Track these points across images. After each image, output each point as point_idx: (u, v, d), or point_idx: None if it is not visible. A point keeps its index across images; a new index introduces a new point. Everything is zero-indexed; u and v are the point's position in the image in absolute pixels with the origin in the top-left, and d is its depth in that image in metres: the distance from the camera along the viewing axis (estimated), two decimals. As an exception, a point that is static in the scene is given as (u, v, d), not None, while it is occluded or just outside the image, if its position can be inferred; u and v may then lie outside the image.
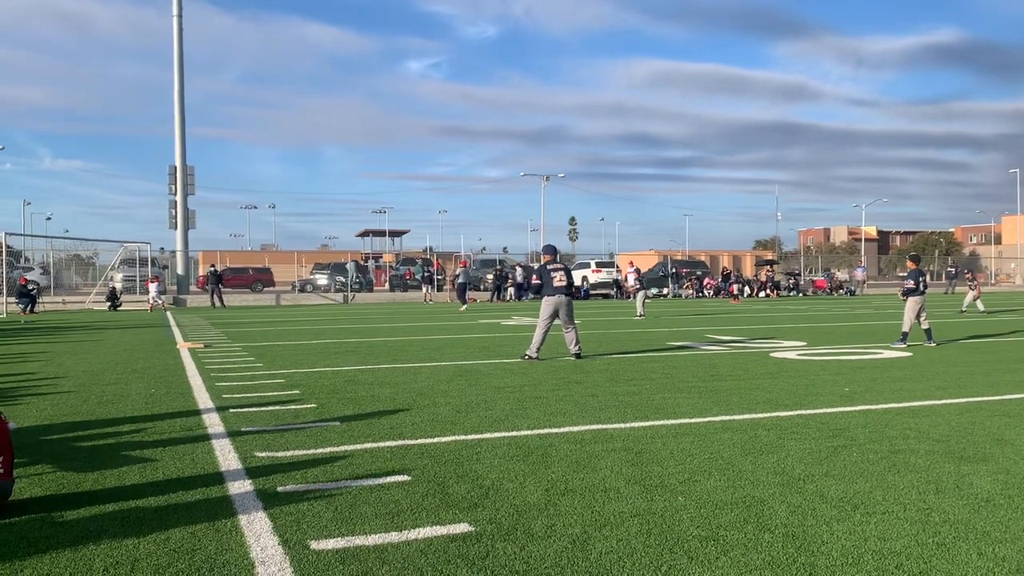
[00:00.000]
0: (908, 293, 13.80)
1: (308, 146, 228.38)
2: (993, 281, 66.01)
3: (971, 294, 24.91)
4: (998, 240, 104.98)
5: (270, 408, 7.54)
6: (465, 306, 29.90)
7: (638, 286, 26.15)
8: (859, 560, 3.52)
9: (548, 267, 12.00)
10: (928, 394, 8.15)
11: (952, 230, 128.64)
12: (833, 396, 8.07)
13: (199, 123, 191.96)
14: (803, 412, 7.17)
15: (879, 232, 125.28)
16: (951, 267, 52.99)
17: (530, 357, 11.55)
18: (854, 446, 5.75)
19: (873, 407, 7.41)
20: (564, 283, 11.86)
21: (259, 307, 34.00)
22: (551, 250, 12.46)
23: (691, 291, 42.93)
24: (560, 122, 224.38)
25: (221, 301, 33.45)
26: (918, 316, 13.71)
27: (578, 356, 11.73)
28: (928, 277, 13.19)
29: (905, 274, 14.45)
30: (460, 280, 32.57)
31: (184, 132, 38.78)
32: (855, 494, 4.53)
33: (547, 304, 11.81)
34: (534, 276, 12.49)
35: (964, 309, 24.81)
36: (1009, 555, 3.56)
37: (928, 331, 13.80)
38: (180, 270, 39.06)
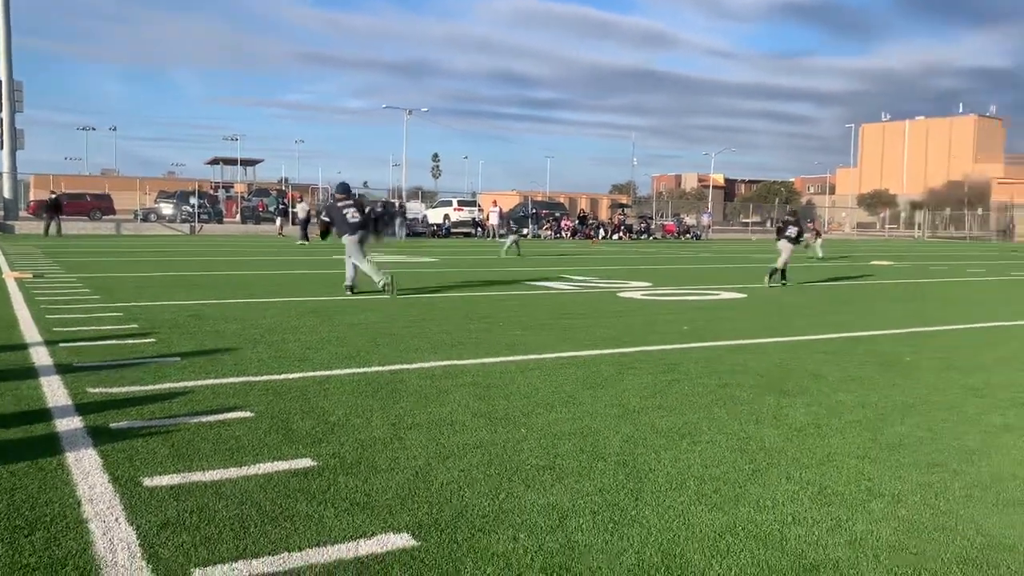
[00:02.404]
0: (787, 239, 15.40)
1: (155, 66, 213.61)
2: (826, 229, 70.95)
3: (815, 240, 26.39)
4: (832, 191, 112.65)
5: (106, 343, 7.17)
6: (303, 241, 28.87)
7: (514, 228, 26.84)
8: (682, 485, 3.78)
9: (339, 205, 11.85)
10: (757, 333, 8.73)
11: (792, 180, 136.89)
12: (672, 334, 8.52)
13: (28, 34, 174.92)
14: (643, 348, 7.53)
15: (726, 180, 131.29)
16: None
17: (369, 286, 11.66)
18: (687, 380, 6.11)
19: (707, 344, 7.88)
20: (358, 219, 11.76)
21: (97, 236, 31.92)
22: (344, 188, 12.35)
23: (549, 232, 43.72)
24: (427, 55, 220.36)
25: (59, 230, 30.94)
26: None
27: (351, 290, 11.77)
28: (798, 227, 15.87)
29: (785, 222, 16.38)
30: (300, 215, 31.25)
31: (10, 43, 35.31)
32: (683, 424, 4.84)
33: (351, 241, 11.71)
34: (323, 215, 12.25)
35: (811, 254, 26.09)
36: (813, 479, 3.93)
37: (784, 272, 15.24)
38: (7, 193, 35.94)
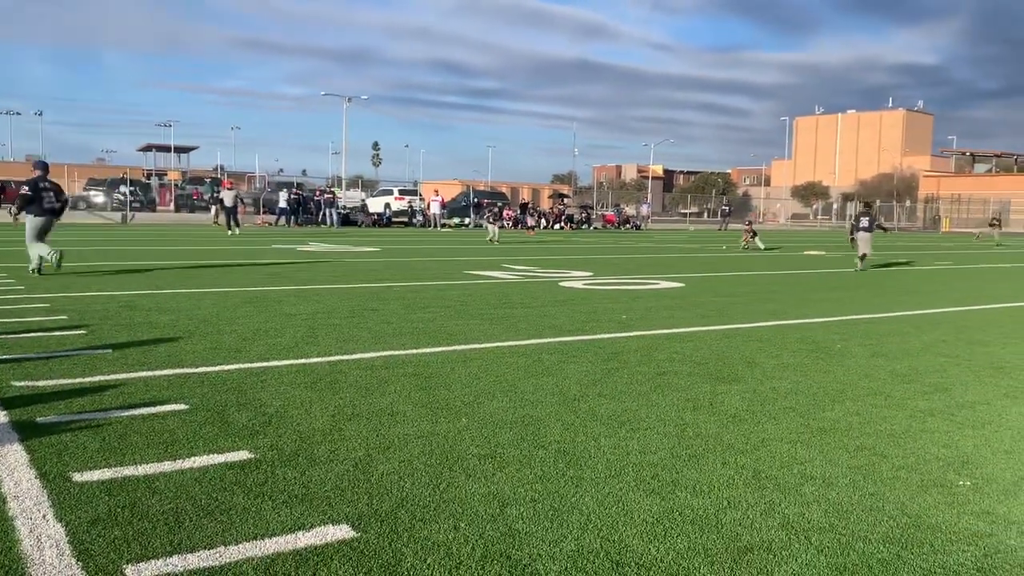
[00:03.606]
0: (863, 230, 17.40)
1: (84, 48, 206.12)
2: (761, 220, 72.40)
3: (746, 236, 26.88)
4: (767, 182, 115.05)
5: (31, 335, 6.93)
6: (232, 231, 27.84)
7: (491, 219, 29.03)
8: (621, 472, 3.83)
9: (40, 184, 11.86)
10: (694, 321, 8.88)
11: (729, 172, 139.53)
12: (612, 323, 8.61)
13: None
14: (584, 337, 7.60)
15: (665, 171, 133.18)
16: (725, 206, 57.41)
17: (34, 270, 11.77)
18: (626, 368, 6.19)
19: (645, 333, 7.98)
20: (55, 204, 12.01)
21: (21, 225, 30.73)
22: (43, 166, 12.38)
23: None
24: (367, 43, 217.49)
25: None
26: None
27: (38, 272, 11.81)
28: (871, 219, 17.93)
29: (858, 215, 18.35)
30: (227, 203, 29.87)
31: (-76, 21, 33.72)
32: (623, 412, 4.90)
33: (35, 223, 11.81)
34: (24, 188, 12.18)
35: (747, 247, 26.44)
36: (748, 463, 4.02)
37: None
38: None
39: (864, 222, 17.54)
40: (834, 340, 7.83)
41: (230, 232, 27.83)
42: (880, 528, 3.26)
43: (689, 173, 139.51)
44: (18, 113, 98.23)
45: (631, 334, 7.90)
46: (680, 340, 7.63)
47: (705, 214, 68.82)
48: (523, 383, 5.60)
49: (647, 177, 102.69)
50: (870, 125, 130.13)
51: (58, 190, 12.18)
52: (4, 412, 4.49)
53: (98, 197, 41.43)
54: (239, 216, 29.46)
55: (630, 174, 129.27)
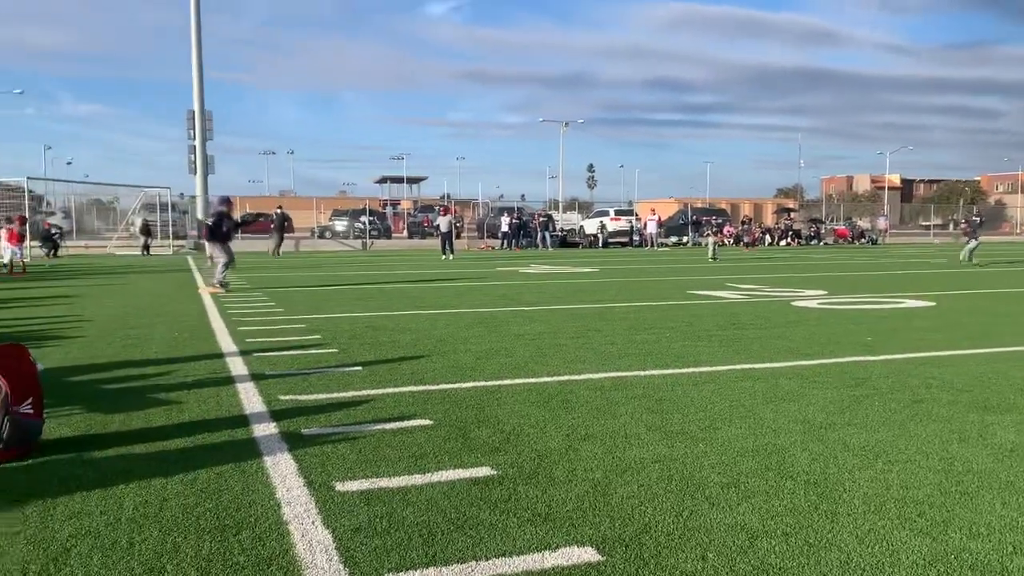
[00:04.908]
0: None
1: (327, 91, 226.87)
2: (1019, 231, 65.03)
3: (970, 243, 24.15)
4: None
5: (292, 352, 7.61)
6: (445, 256, 28.58)
7: (716, 231, 28.88)
8: (881, 507, 3.52)
9: (226, 216, 14.62)
10: (951, 343, 8.08)
11: (978, 178, 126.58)
12: (855, 345, 8.03)
13: (217, 67, 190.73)
14: (824, 361, 7.14)
15: (903, 180, 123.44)
16: (975, 216, 52.16)
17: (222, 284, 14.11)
18: (876, 395, 5.73)
19: (895, 356, 7.36)
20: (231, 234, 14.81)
21: (284, 254, 34.09)
22: (227, 202, 15.13)
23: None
24: (581, 67, 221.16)
25: (278, 247, 31.01)
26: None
27: (223, 285, 14.11)
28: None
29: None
30: (443, 228, 30.21)
31: (202, 76, 38.52)
32: (877, 443, 4.52)
33: (222, 248, 14.24)
34: (214, 222, 14.53)
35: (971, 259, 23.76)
36: (1033, 505, 3.55)
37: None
38: (200, 215, 39.15)
39: None
40: None
41: (443, 257, 28.51)
42: None
43: (931, 182, 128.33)
44: (273, 153, 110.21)
45: (878, 358, 7.31)
46: (936, 364, 6.95)
47: (951, 226, 62.78)
48: (762, 409, 5.34)
49: (882, 187, 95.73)
50: None
51: (235, 223, 15.44)
52: (275, 424, 4.94)
53: (341, 226, 45.10)
54: (454, 242, 30.27)
55: (863, 185, 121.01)
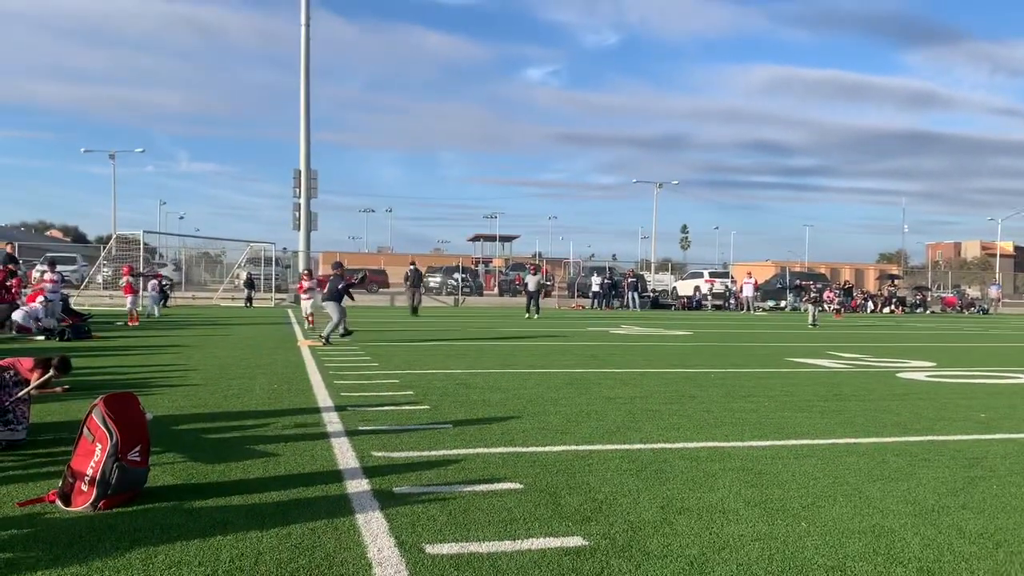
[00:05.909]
0: None
1: (425, 151, 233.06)
2: None
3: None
4: None
5: (385, 408, 7.70)
6: (529, 315, 28.15)
7: (816, 297, 28.05)
8: (1004, 604, 3.27)
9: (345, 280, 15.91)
10: (1077, 425, 7.53)
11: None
12: (968, 422, 7.58)
13: (323, 128, 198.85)
14: (935, 438, 6.76)
15: (1016, 248, 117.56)
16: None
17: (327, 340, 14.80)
18: (994, 477, 5.37)
19: (1014, 436, 6.91)
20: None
21: (374, 308, 34.92)
22: (340, 266, 16.41)
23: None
24: (676, 129, 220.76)
25: (416, 305, 29.59)
26: None
27: (327, 341, 14.81)
28: None
29: None
30: (531, 287, 29.36)
31: (309, 137, 40.26)
32: (996, 530, 4.22)
33: (338, 306, 15.34)
34: (341, 284, 15.76)
35: None
36: None
37: None
38: (302, 269, 40.52)
39: None
40: None
41: (527, 316, 28.05)
42: None
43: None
44: (372, 210, 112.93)
45: (995, 436, 6.88)
46: (1060, 447, 6.49)
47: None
48: (868, 487, 5.07)
49: (993, 255, 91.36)
50: None
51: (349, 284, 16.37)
52: (367, 480, 4.98)
53: (435, 282, 45.93)
54: (539, 302, 29.67)
55: (972, 252, 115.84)
